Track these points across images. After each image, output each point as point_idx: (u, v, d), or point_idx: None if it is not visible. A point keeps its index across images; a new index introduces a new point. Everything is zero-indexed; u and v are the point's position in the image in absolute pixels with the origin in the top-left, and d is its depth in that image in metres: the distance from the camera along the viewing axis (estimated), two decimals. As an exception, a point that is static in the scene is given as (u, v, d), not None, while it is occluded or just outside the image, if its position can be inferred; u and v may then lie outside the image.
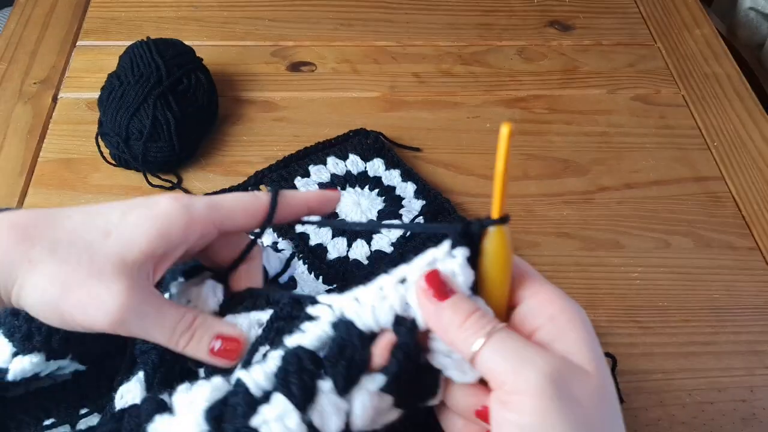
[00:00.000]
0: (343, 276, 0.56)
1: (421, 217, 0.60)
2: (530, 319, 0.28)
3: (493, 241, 0.28)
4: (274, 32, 0.80)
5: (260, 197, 0.35)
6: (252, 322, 0.34)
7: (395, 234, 0.59)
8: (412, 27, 0.82)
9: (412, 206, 0.62)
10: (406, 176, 0.64)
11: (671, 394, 0.53)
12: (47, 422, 0.42)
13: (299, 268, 0.57)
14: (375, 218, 0.61)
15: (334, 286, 0.55)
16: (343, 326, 0.29)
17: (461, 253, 0.28)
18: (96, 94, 0.65)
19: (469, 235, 0.28)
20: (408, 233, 0.59)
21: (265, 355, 0.31)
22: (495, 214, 0.27)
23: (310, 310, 0.31)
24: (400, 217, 0.61)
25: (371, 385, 0.28)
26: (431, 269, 0.28)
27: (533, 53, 0.80)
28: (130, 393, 0.37)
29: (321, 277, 0.56)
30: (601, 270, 0.61)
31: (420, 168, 0.67)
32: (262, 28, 0.80)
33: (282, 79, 0.75)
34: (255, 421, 0.28)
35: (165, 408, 0.31)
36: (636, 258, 0.61)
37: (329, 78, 0.75)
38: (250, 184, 0.62)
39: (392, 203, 0.62)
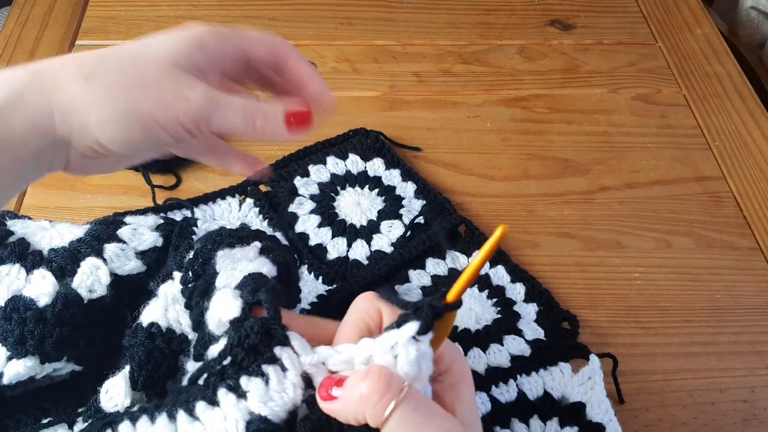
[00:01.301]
0: (343, 276, 0.56)
1: (421, 217, 0.60)
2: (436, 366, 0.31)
3: (444, 319, 0.29)
4: (273, 31, 0.79)
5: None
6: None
7: (395, 234, 0.59)
8: (413, 26, 0.82)
9: (412, 206, 0.62)
10: (406, 176, 0.64)
11: (672, 395, 0.53)
12: (44, 421, 0.43)
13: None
14: (375, 218, 0.61)
15: (335, 286, 0.55)
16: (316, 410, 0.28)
17: (427, 338, 0.28)
18: (95, 94, 0.65)
19: (430, 315, 0.28)
20: (408, 233, 0.59)
21: (213, 389, 0.29)
22: (453, 297, 0.29)
23: (279, 352, 0.30)
24: (400, 217, 0.61)
25: None
26: (325, 379, 0.29)
27: (534, 52, 0.80)
28: (115, 388, 0.37)
29: (321, 278, 0.56)
30: (602, 270, 0.60)
31: (420, 168, 0.66)
32: (262, 27, 0.80)
33: (282, 78, 0.74)
34: None
35: None
36: (637, 258, 0.61)
37: (329, 77, 0.75)
38: (249, 183, 0.62)
39: (392, 203, 0.62)
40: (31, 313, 0.39)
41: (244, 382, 0.29)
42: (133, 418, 0.30)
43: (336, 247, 0.58)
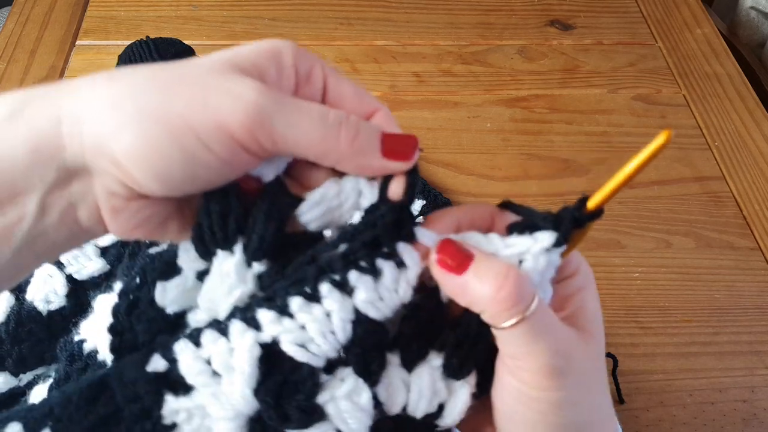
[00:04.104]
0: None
1: (422, 217, 0.60)
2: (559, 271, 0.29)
3: (582, 228, 0.27)
4: (273, 31, 0.79)
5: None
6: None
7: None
8: (412, 26, 0.82)
9: (412, 206, 0.62)
10: (406, 176, 0.64)
11: (672, 395, 0.53)
12: None
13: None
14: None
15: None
16: (431, 299, 0.27)
17: (560, 250, 0.26)
18: (95, 94, 0.65)
19: (569, 228, 0.26)
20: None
21: (314, 282, 0.25)
22: (596, 205, 0.26)
23: (402, 249, 0.26)
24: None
25: (437, 361, 0.27)
26: (443, 239, 0.27)
27: (534, 52, 0.80)
28: (39, 398, 0.34)
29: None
30: (602, 270, 0.60)
31: (420, 168, 0.66)
32: (262, 28, 0.80)
33: (282, 78, 0.74)
34: (321, 399, 0.26)
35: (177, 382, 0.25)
36: (637, 258, 0.61)
37: (329, 77, 0.75)
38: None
39: (392, 203, 0.62)
40: None
41: (354, 277, 0.25)
42: (193, 337, 0.25)
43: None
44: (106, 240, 0.39)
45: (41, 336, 0.38)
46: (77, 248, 0.27)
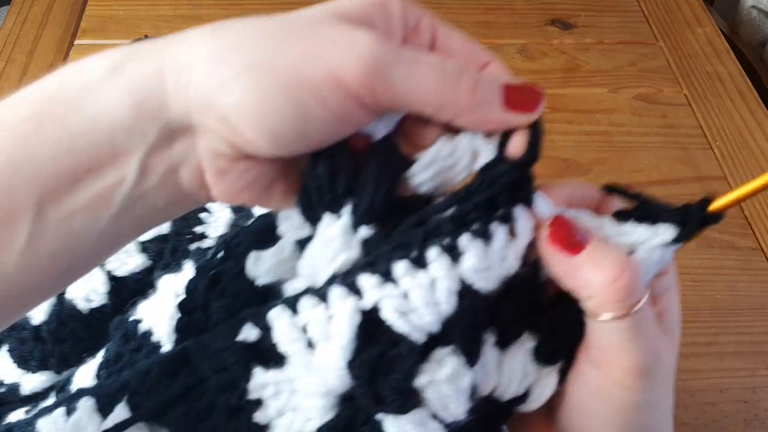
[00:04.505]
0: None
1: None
2: None
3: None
4: (273, 31, 0.79)
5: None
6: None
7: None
8: (413, 25, 0.81)
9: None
10: (407, 176, 0.63)
11: (673, 396, 0.53)
12: None
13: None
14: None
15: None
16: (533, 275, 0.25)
17: (676, 247, 0.25)
18: (94, 93, 0.65)
19: (696, 226, 0.25)
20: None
21: (421, 247, 0.23)
22: (720, 208, 0.25)
23: (518, 213, 0.24)
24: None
25: (530, 342, 0.26)
26: (558, 215, 0.25)
27: (534, 52, 0.80)
28: (82, 379, 0.34)
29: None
30: (603, 270, 0.60)
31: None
32: (262, 27, 0.79)
33: (281, 77, 0.74)
34: (419, 382, 0.23)
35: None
36: (638, 258, 0.61)
37: (329, 77, 0.75)
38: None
39: (392, 203, 0.61)
40: (27, 333, 0.36)
41: (464, 241, 0.23)
42: (290, 303, 0.24)
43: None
44: (146, 235, 0.38)
45: (82, 335, 0.37)
46: (176, 217, 0.26)
